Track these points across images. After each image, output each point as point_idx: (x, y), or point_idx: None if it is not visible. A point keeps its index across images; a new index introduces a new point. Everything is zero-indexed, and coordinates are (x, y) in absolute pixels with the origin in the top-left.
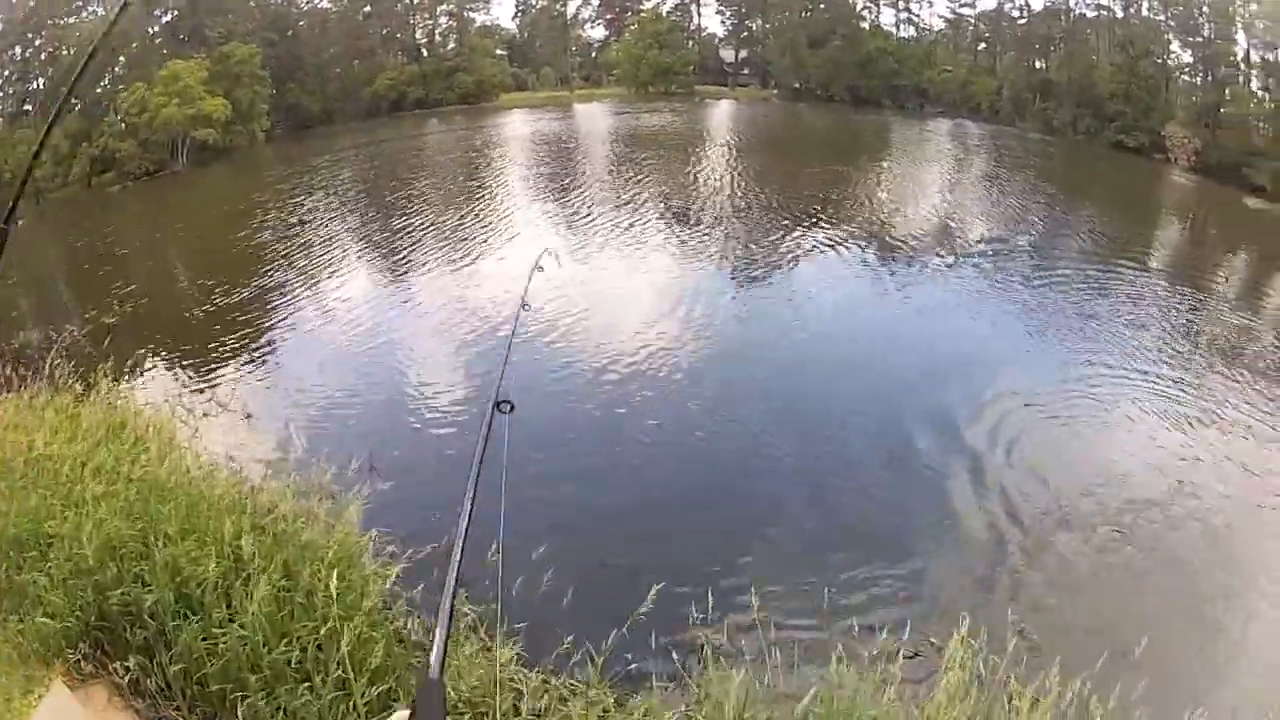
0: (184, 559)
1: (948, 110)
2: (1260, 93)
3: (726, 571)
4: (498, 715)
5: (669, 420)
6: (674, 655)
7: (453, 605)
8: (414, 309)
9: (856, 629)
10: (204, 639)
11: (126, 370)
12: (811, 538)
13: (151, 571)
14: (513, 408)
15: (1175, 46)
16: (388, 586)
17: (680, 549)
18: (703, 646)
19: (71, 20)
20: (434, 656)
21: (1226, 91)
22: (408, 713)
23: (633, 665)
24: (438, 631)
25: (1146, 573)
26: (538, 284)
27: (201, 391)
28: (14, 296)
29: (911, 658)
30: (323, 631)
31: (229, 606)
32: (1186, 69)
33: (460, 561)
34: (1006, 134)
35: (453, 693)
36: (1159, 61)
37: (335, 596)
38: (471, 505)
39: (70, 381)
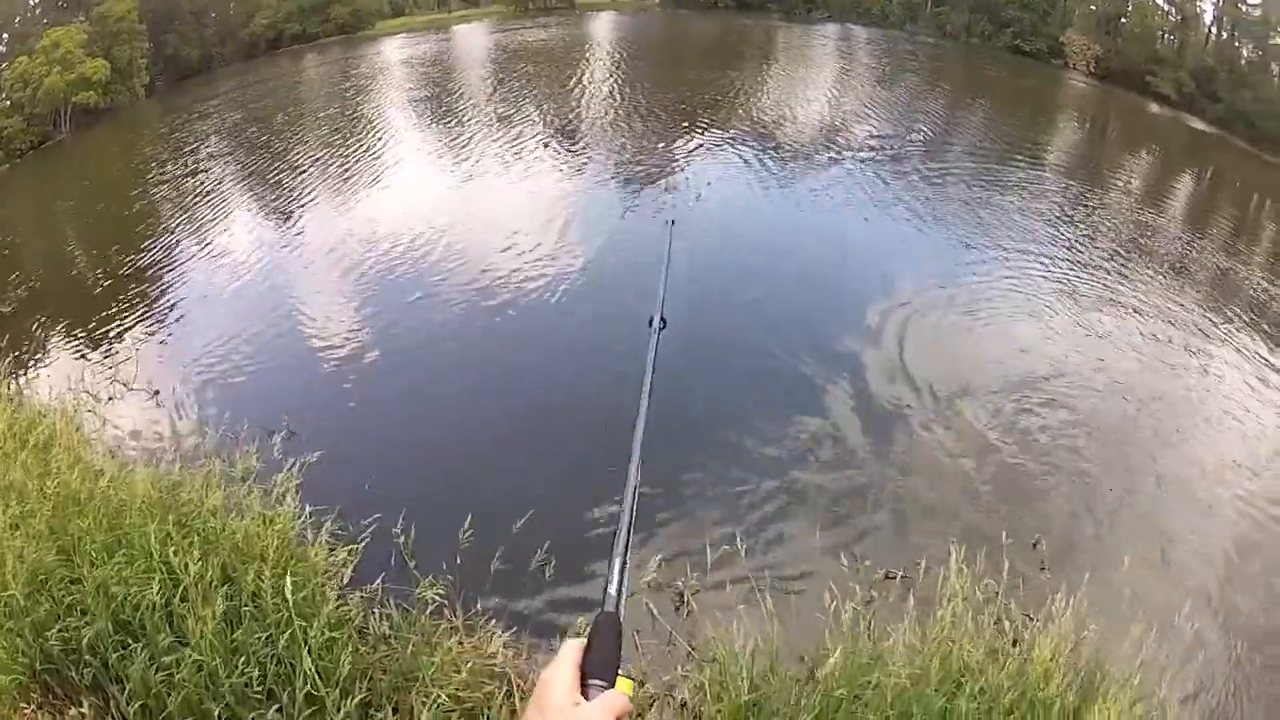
0: (114, 580)
1: (835, 15)
2: (1165, 4)
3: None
4: None
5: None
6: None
7: (629, 536)
8: (304, 254)
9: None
10: (155, 669)
11: (28, 363)
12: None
13: (83, 600)
14: (665, 324)
15: None
16: (345, 580)
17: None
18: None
19: None
20: (612, 589)
21: (1130, 2)
22: (584, 641)
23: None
24: (615, 563)
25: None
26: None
27: (107, 371)
28: None
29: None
30: (281, 643)
31: (173, 628)
32: None
33: (636, 491)
34: (897, 38)
35: None
36: None
37: (289, 601)
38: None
39: None
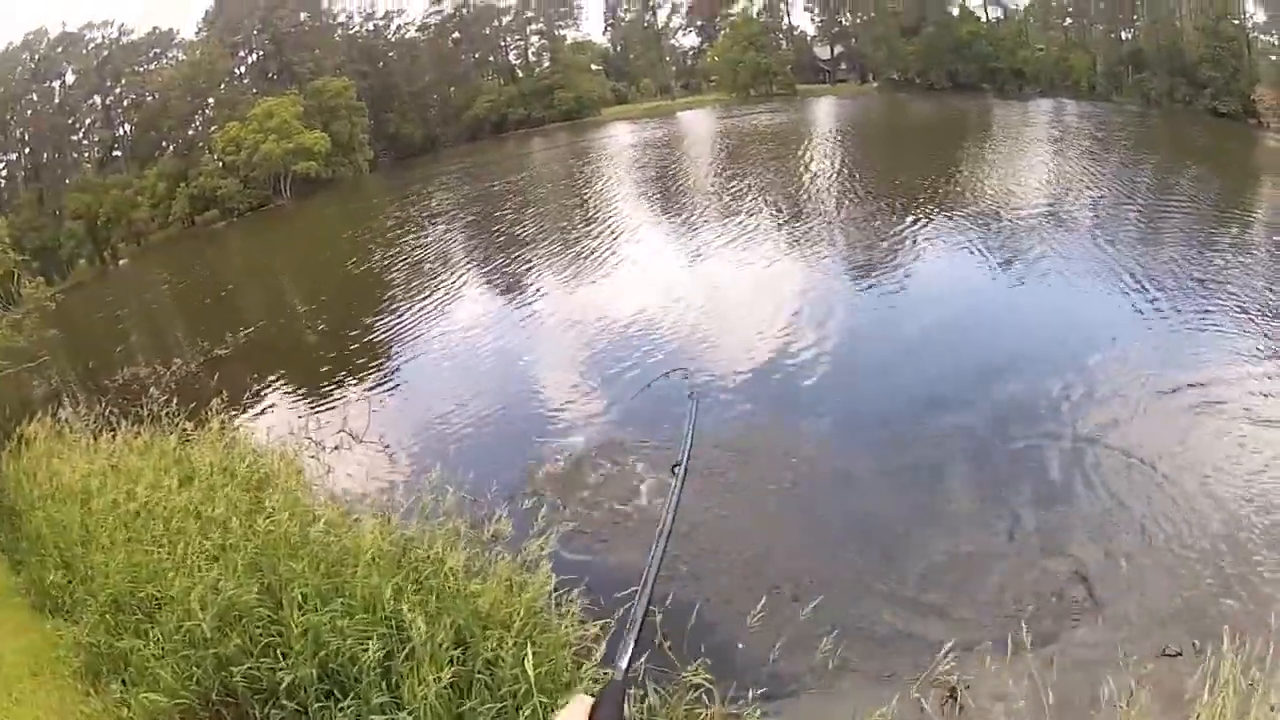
0: (327, 628)
1: (1046, 90)
2: None
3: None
4: None
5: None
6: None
7: (647, 611)
8: (536, 331)
9: None
10: None
11: (240, 405)
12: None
13: (285, 643)
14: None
15: (1249, 4)
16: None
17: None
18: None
19: (152, 67)
20: (623, 661)
21: None
22: (591, 700)
23: None
24: (631, 636)
25: None
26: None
27: (333, 421)
28: (119, 332)
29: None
30: (522, 717)
31: (389, 687)
32: (1262, 28)
33: (659, 563)
34: (1105, 109)
35: None
36: (1236, 23)
37: (528, 674)
38: (673, 515)
39: (178, 419)
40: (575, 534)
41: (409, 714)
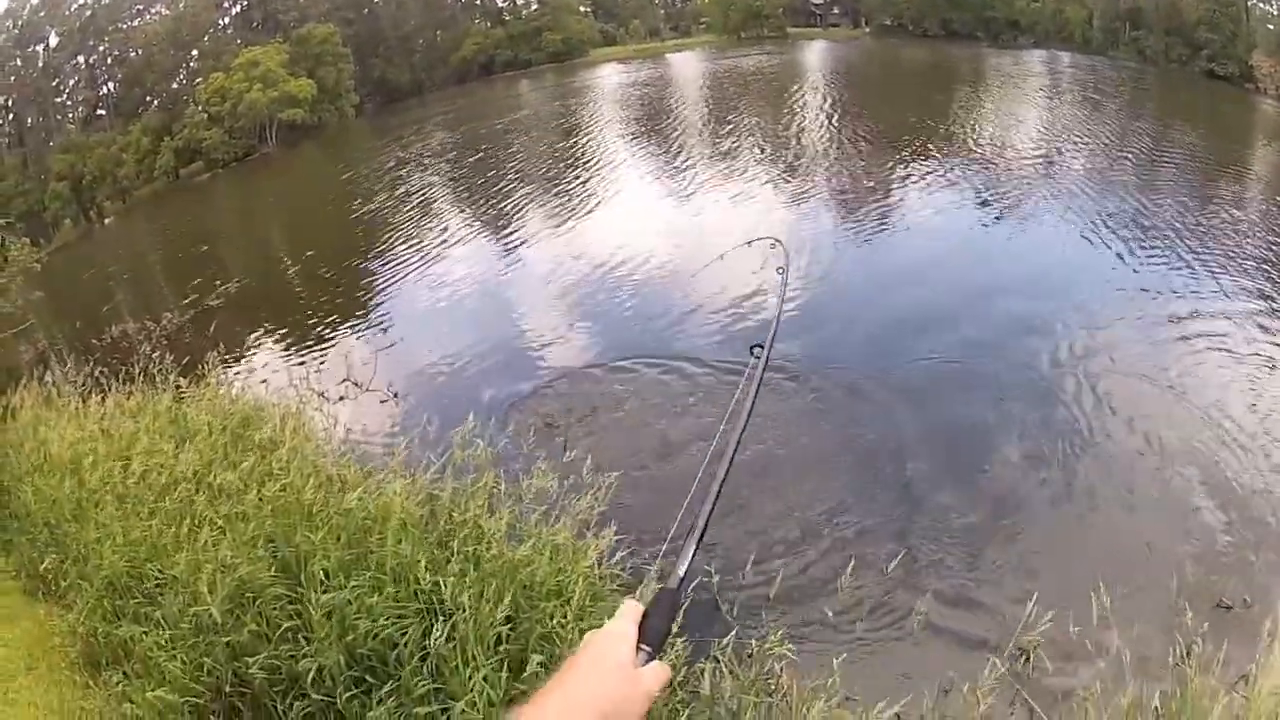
0: (353, 608)
1: (1040, 41)
2: None
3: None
4: None
5: None
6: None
7: (707, 522)
8: (537, 270)
9: None
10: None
11: (237, 357)
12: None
13: (306, 626)
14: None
15: None
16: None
17: None
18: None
19: (135, 23)
20: (682, 568)
21: None
22: (642, 607)
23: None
24: (691, 545)
25: None
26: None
27: (329, 373)
28: (106, 290)
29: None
30: None
31: (431, 672)
32: None
33: (733, 457)
34: (1100, 63)
35: None
36: None
37: None
38: (753, 401)
39: (171, 376)
40: (622, 484)
41: (465, 704)
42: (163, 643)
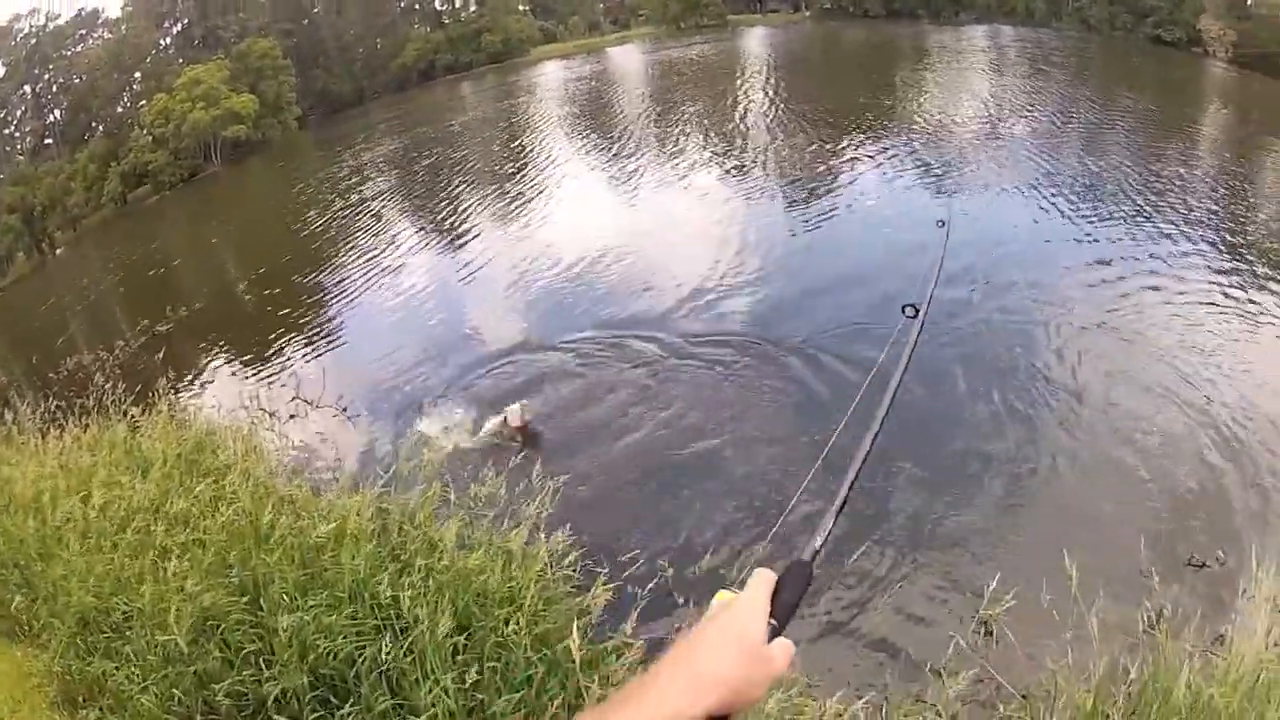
0: (312, 628)
1: (982, 16)
2: None
3: None
4: None
5: None
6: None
7: (847, 495)
8: (483, 277)
9: None
10: None
11: (189, 382)
12: None
13: (269, 649)
14: (918, 312)
15: None
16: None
17: None
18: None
19: (79, 49)
20: (817, 541)
21: None
22: (774, 577)
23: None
24: (829, 519)
25: None
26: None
27: (280, 392)
28: (60, 323)
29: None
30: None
31: (393, 688)
32: None
33: (881, 426)
34: (1044, 35)
35: None
36: None
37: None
38: (905, 368)
39: (125, 405)
40: (570, 487)
41: (426, 718)
42: (134, 676)
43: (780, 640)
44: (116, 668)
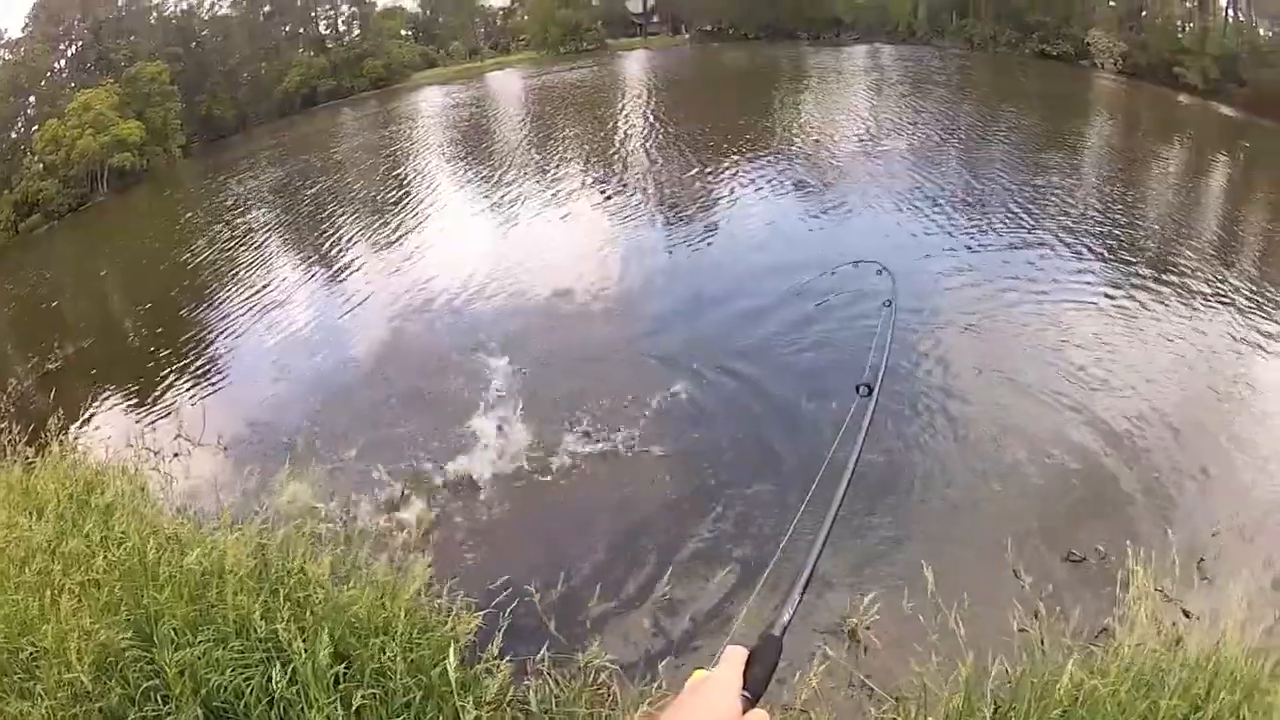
0: (202, 662)
1: (863, 35)
2: None
3: None
4: None
5: None
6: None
7: (814, 569)
8: (363, 307)
9: None
10: None
11: (80, 421)
12: None
13: (165, 685)
14: (871, 390)
15: None
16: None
17: None
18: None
19: None
20: (786, 616)
21: None
22: (746, 652)
23: None
24: (796, 593)
25: None
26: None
27: (169, 427)
28: None
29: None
30: None
31: (281, 718)
32: None
33: (831, 527)
34: (926, 53)
35: None
36: None
37: (451, 680)
38: (860, 449)
39: (18, 445)
40: (442, 523)
41: None
42: (44, 715)
43: (756, 711)
44: (31, 706)
